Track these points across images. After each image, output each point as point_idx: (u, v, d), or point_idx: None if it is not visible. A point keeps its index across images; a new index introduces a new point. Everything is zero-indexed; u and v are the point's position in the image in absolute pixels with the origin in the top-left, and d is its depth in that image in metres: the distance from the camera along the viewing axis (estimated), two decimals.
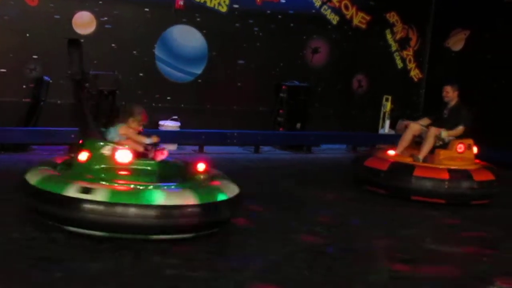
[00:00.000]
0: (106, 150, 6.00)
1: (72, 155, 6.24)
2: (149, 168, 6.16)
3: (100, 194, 5.36)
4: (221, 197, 5.76)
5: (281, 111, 12.24)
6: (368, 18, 13.36)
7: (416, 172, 7.96)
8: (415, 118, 9.58)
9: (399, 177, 8.03)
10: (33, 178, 5.79)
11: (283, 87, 12.19)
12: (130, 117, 6.31)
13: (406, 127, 8.82)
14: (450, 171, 8.02)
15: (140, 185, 5.60)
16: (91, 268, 4.87)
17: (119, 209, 5.33)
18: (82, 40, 10.48)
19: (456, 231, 7.11)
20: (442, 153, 8.27)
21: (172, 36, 11.42)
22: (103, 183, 5.57)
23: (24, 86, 10.19)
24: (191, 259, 5.30)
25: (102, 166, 5.94)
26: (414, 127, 8.66)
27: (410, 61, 14.15)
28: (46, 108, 9.96)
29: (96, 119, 10.32)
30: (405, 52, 14.05)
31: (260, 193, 7.87)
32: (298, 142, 12.15)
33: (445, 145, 8.38)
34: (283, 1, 12.38)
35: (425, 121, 8.80)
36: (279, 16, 12.43)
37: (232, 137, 11.27)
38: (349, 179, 8.94)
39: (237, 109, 12.05)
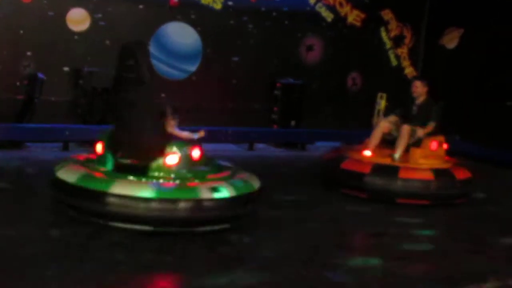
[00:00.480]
0: (187, 151, 6.11)
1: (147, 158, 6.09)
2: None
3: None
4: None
5: (275, 108, 12.24)
6: (362, 16, 13.36)
7: (401, 174, 7.78)
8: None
9: (384, 180, 7.78)
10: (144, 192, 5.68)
11: (278, 84, 12.19)
12: (170, 115, 6.47)
13: (375, 124, 8.65)
14: (434, 171, 7.88)
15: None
16: (85, 266, 4.86)
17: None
18: (75, 37, 10.61)
19: (444, 229, 7.15)
20: (417, 152, 8.12)
21: (166, 33, 11.41)
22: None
23: (18, 83, 10.15)
24: (185, 256, 5.30)
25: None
26: (384, 125, 8.49)
27: (404, 59, 14.17)
28: (40, 105, 9.95)
29: (91, 116, 10.44)
30: (399, 50, 14.07)
31: None
32: (292, 139, 12.17)
33: (417, 143, 8.22)
34: None
35: (393, 118, 8.56)
36: (274, 14, 12.43)
37: (226, 135, 11.27)
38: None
39: (231, 107, 12.05)
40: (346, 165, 8.16)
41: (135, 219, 5.61)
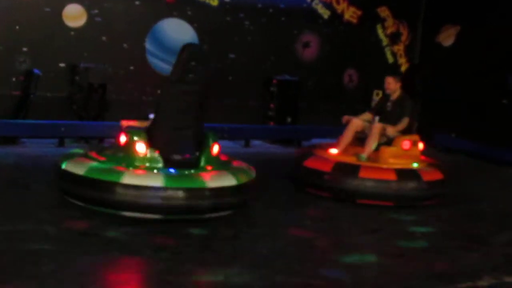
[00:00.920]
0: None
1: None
2: None
3: None
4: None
5: (271, 105, 12.24)
6: (359, 12, 13.36)
7: (362, 174, 7.35)
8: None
9: (343, 179, 7.37)
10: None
11: (274, 81, 12.18)
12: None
13: (347, 122, 8.27)
14: (397, 171, 7.45)
15: None
16: (81, 262, 4.86)
17: None
18: (72, 33, 10.58)
19: (439, 227, 7.15)
20: (387, 151, 7.76)
21: (163, 29, 11.39)
22: None
23: (13, 79, 10.13)
24: (180, 253, 5.31)
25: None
26: (356, 123, 8.15)
27: (401, 56, 14.18)
28: (36, 101, 9.93)
29: (87, 112, 10.43)
30: (396, 47, 14.08)
31: None
32: (288, 136, 12.17)
33: (389, 142, 7.89)
34: None
35: (367, 115, 8.31)
36: (270, 10, 12.42)
37: (222, 131, 11.24)
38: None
39: (227, 103, 12.03)
40: (308, 163, 7.78)
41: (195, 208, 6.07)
